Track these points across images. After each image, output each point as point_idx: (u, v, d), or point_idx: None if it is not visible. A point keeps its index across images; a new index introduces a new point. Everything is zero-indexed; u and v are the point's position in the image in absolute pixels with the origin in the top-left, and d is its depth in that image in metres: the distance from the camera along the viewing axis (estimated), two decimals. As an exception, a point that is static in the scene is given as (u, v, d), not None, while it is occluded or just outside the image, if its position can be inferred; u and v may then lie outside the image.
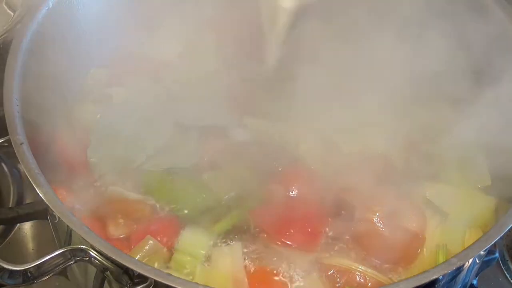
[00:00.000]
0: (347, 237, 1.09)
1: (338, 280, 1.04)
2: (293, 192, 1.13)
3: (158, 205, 1.12)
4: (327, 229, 1.10)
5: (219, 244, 1.07)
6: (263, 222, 1.10)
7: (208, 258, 1.05)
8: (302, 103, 1.27)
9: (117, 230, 1.08)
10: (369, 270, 1.04)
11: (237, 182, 1.15)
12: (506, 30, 1.22)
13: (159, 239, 1.05)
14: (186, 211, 1.11)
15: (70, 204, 1.09)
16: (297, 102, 1.27)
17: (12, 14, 1.33)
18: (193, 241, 1.06)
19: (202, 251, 1.05)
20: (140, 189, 1.14)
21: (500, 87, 1.17)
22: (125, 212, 1.10)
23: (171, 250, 1.06)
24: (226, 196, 1.13)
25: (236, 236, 1.09)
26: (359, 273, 1.04)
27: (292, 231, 1.08)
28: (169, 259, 1.05)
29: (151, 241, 1.04)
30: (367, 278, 1.03)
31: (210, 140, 1.21)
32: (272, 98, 1.28)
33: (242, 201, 1.13)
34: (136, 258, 1.00)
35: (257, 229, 1.09)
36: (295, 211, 1.11)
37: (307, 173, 1.17)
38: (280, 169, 1.17)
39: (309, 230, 1.09)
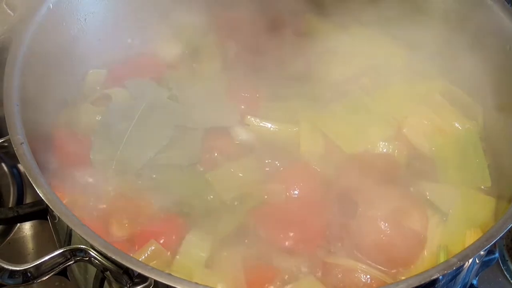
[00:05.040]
0: (348, 237, 1.09)
1: (340, 279, 1.04)
2: (295, 192, 1.13)
3: (162, 206, 1.12)
4: (328, 229, 1.10)
5: (220, 247, 1.07)
6: (264, 223, 1.10)
7: (209, 261, 1.05)
8: (304, 103, 1.27)
9: (120, 231, 1.08)
10: (372, 270, 1.04)
11: (239, 181, 1.15)
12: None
13: (162, 241, 1.05)
14: (190, 213, 1.11)
15: (71, 204, 1.09)
16: (299, 102, 1.27)
17: (12, 14, 1.33)
18: (196, 245, 1.06)
19: (204, 255, 1.05)
20: (144, 189, 1.14)
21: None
22: (129, 213, 1.10)
23: (174, 254, 1.05)
24: (230, 196, 1.13)
25: (236, 238, 1.08)
26: (362, 273, 1.04)
27: (293, 231, 1.08)
28: (171, 263, 1.05)
29: (154, 246, 1.04)
30: (370, 278, 1.03)
31: (212, 139, 1.21)
32: (274, 98, 1.28)
33: (244, 201, 1.13)
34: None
35: (258, 230, 1.09)
36: (296, 211, 1.11)
37: (308, 173, 1.17)
38: (282, 169, 1.18)
39: (311, 230, 1.09)
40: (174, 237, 1.07)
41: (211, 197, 1.13)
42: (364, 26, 1.38)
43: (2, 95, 1.05)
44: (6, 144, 1.02)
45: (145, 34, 1.39)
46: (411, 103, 1.27)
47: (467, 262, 0.94)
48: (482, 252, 0.96)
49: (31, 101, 1.09)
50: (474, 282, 1.26)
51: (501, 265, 1.33)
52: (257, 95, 1.29)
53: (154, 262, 1.03)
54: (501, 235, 0.93)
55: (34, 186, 0.94)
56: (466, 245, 1.00)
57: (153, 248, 1.04)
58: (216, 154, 1.19)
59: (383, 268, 1.06)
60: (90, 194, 1.13)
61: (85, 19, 1.28)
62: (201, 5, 1.42)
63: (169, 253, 1.05)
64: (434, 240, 1.10)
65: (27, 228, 1.36)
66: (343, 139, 1.21)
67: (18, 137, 0.99)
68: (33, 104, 1.10)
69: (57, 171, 1.14)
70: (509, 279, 1.32)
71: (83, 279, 1.10)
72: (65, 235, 1.04)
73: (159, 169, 1.16)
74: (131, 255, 0.89)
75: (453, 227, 1.11)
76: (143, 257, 1.03)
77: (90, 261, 0.93)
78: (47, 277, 0.93)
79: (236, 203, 1.13)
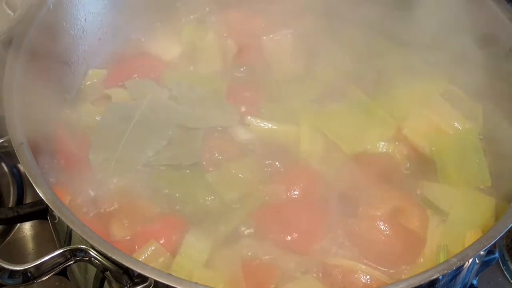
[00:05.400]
0: (348, 237, 1.09)
1: (339, 280, 1.04)
2: (295, 192, 1.13)
3: (162, 206, 1.12)
4: (328, 229, 1.10)
5: (220, 247, 1.07)
6: (265, 223, 1.10)
7: (208, 261, 1.05)
8: (304, 103, 1.27)
9: (120, 231, 1.08)
10: (372, 270, 1.04)
11: (239, 182, 1.15)
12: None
13: (162, 241, 1.05)
14: (190, 213, 1.11)
15: (71, 204, 1.09)
16: (299, 102, 1.27)
17: (12, 14, 1.32)
18: (195, 245, 1.06)
19: (204, 256, 1.05)
20: (144, 189, 1.14)
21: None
22: (129, 213, 1.10)
23: (173, 254, 1.05)
24: (230, 197, 1.13)
25: (236, 238, 1.08)
26: (362, 273, 1.04)
27: (293, 231, 1.08)
28: (171, 263, 1.04)
29: (154, 246, 1.04)
30: (370, 278, 1.03)
31: (212, 139, 1.21)
32: (274, 98, 1.28)
33: (244, 202, 1.13)
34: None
35: (258, 230, 1.09)
36: (296, 212, 1.11)
37: (309, 173, 1.17)
38: (282, 169, 1.18)
39: (311, 230, 1.09)
40: (174, 237, 1.07)
41: (212, 197, 1.13)
42: (364, 26, 1.38)
43: (2, 95, 1.05)
44: (6, 144, 1.02)
45: (145, 34, 1.39)
46: (411, 103, 1.27)
47: (467, 262, 0.94)
48: (482, 252, 0.96)
49: (31, 101, 1.09)
50: (474, 282, 1.26)
51: (501, 265, 1.33)
52: (257, 95, 1.29)
53: (154, 262, 1.03)
54: (501, 235, 0.93)
55: (34, 186, 0.94)
56: (466, 245, 1.00)
57: (153, 248, 1.04)
58: (216, 154, 1.19)
59: (383, 268, 1.06)
60: (90, 194, 1.13)
61: (85, 19, 1.28)
62: (202, 4, 1.42)
63: (169, 253, 1.05)
64: (434, 240, 1.10)
65: (27, 228, 1.36)
66: (343, 139, 1.21)
67: (18, 137, 0.99)
68: (33, 104, 1.10)
69: (57, 171, 1.14)
70: (509, 279, 1.32)
71: (83, 279, 1.10)
72: (65, 235, 1.04)
73: (159, 169, 1.16)
74: (131, 255, 0.89)
75: (453, 227, 1.11)
76: (143, 257, 1.03)
77: (90, 261, 0.93)
78: (47, 277, 0.93)
79: (236, 204, 1.13)
